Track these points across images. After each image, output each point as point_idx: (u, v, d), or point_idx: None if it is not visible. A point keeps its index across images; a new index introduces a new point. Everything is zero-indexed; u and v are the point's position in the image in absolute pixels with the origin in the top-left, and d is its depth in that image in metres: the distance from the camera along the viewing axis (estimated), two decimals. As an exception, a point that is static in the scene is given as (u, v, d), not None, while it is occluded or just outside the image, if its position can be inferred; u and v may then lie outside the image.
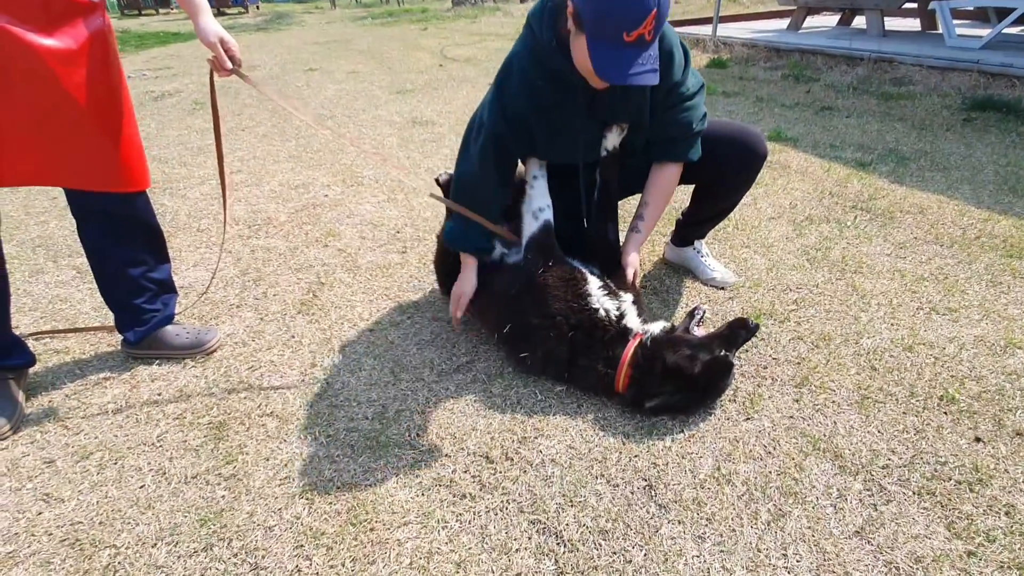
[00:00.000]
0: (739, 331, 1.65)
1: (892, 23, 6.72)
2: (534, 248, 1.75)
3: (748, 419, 1.58)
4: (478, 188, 1.74)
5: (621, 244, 1.88)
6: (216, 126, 1.81)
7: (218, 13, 18.42)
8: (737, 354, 1.82)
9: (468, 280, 1.82)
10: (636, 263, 1.83)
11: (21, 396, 1.67)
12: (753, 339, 1.88)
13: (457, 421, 1.61)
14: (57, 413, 1.68)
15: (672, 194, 1.87)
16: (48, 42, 1.38)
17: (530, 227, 1.76)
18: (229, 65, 1.61)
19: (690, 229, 2.19)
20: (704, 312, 1.80)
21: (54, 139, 1.46)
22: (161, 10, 21.88)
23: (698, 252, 2.23)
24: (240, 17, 17.75)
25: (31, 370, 1.78)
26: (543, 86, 1.60)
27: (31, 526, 1.33)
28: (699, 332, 1.71)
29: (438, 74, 6.66)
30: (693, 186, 2.04)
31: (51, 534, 1.31)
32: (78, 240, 1.76)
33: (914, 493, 1.35)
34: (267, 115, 5.02)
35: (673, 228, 2.29)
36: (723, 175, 1.91)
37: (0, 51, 1.34)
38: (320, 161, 3.81)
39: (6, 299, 1.64)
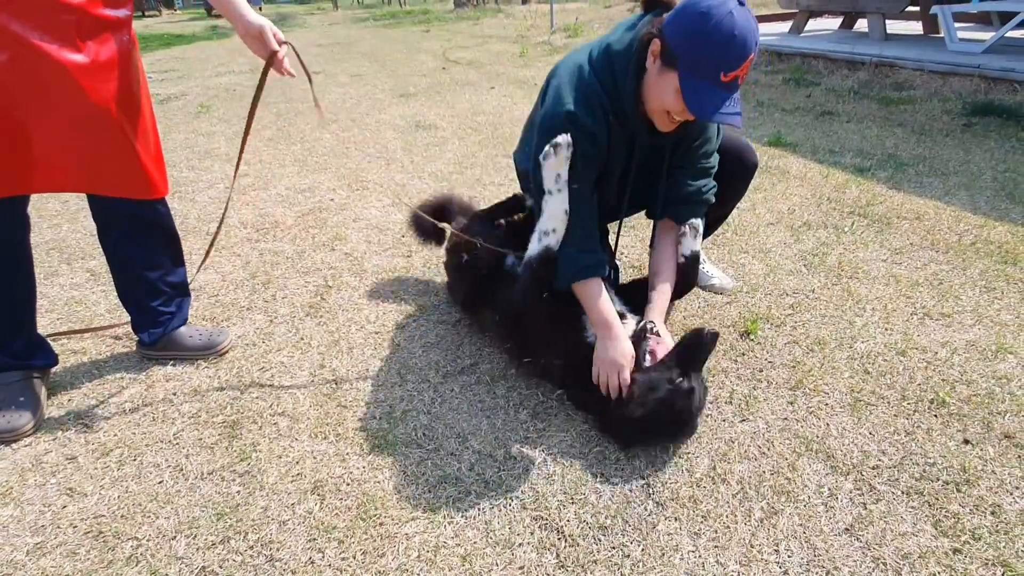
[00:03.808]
0: (694, 349, 1.50)
1: (894, 26, 6.75)
2: (528, 274, 1.63)
3: (744, 420, 1.63)
4: (585, 211, 1.61)
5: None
6: (251, 115, 1.79)
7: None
8: (734, 358, 1.88)
9: (621, 339, 1.55)
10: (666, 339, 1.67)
11: (44, 395, 1.73)
12: (750, 343, 1.94)
13: (462, 421, 1.67)
14: (77, 411, 1.74)
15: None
16: (78, 58, 1.44)
17: (532, 247, 1.62)
18: (275, 47, 1.62)
19: None
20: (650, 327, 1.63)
21: (84, 149, 1.53)
22: (165, 11, 21.97)
23: (696, 258, 2.27)
24: (245, 18, 17.82)
25: (52, 370, 1.84)
26: (614, 128, 1.56)
27: (56, 519, 1.39)
28: (658, 345, 1.60)
29: (441, 77, 6.72)
30: None
31: (75, 526, 1.37)
32: (91, 243, 1.83)
33: (903, 492, 1.40)
34: (273, 118, 5.09)
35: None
36: (724, 190, 1.93)
37: (34, 68, 1.40)
38: (325, 165, 3.87)
39: (32, 301, 1.70)
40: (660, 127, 1.54)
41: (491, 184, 3.41)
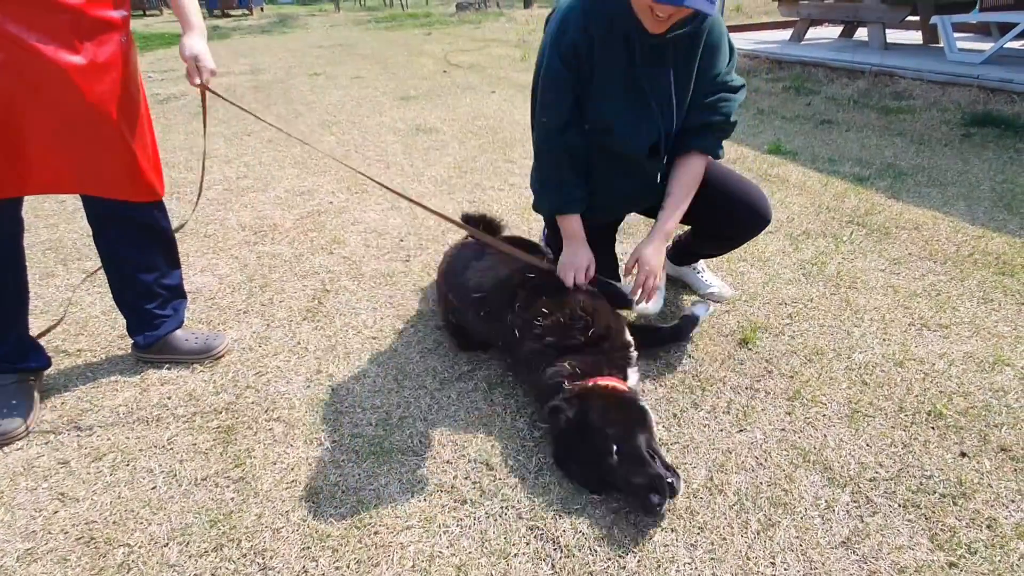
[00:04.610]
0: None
1: (894, 36, 6.78)
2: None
3: (741, 431, 1.63)
4: (557, 148, 1.73)
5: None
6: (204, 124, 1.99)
7: (223, 15, 18.49)
8: (732, 367, 1.88)
9: (584, 252, 1.79)
10: (655, 263, 1.76)
11: (37, 398, 1.72)
12: (748, 352, 1.93)
13: (459, 428, 1.66)
14: (70, 415, 1.73)
15: (695, 190, 1.83)
16: (74, 59, 1.43)
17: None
18: (197, 81, 1.68)
19: (685, 255, 2.25)
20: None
21: (79, 150, 1.52)
22: (166, 11, 21.97)
23: (694, 268, 2.28)
24: (245, 19, 17.83)
25: (45, 372, 1.83)
26: (601, 36, 1.59)
27: (48, 524, 1.38)
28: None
29: (442, 80, 6.73)
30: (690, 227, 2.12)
31: (67, 532, 1.36)
32: (87, 243, 1.82)
33: (900, 505, 1.39)
34: (273, 120, 5.08)
35: (670, 245, 2.33)
36: (725, 231, 1.99)
37: (30, 68, 1.39)
38: (325, 168, 3.87)
39: (25, 302, 1.69)
40: (649, 27, 1.53)
41: (491, 188, 3.41)
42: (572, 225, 1.81)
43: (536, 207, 1.94)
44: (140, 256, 1.77)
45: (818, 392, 1.76)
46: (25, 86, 1.41)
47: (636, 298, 1.80)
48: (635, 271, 1.78)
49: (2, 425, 1.60)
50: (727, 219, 1.93)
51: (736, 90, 1.73)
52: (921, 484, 1.45)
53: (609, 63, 1.63)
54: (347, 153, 4.14)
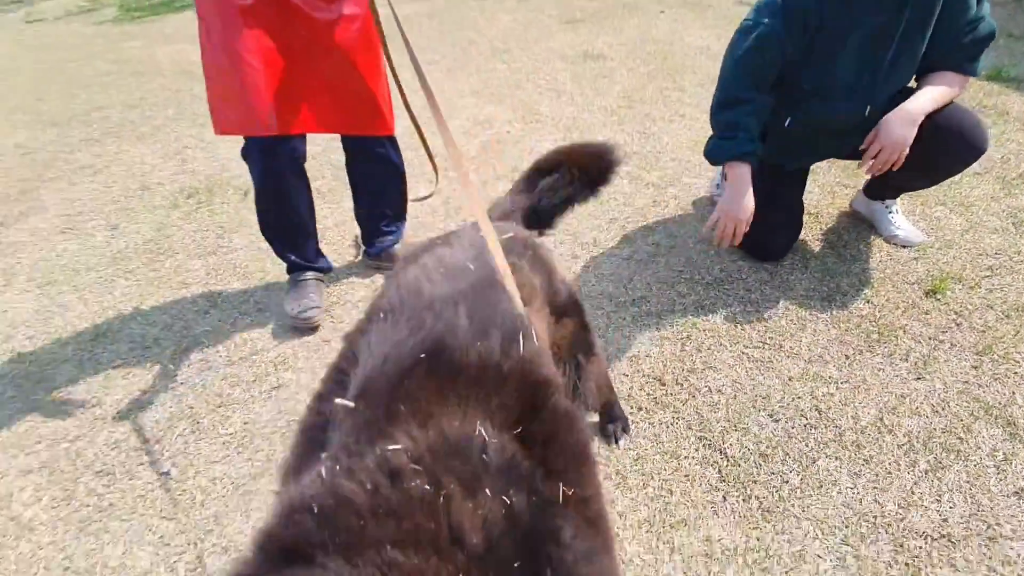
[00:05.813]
0: None
1: None
2: None
3: (919, 378, 1.65)
4: (739, 99, 1.73)
5: None
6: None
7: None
8: (915, 316, 1.85)
9: (749, 202, 1.70)
10: (897, 135, 1.70)
11: (324, 293, 2.18)
12: (935, 302, 1.89)
13: (634, 346, 1.87)
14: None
15: (950, 101, 1.77)
16: (329, 15, 1.73)
17: None
18: None
19: (882, 188, 2.14)
20: None
21: (336, 95, 1.85)
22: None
23: (887, 206, 2.18)
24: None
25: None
26: None
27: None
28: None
29: (607, 0, 6.51)
30: None
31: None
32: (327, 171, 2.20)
33: (1091, 468, 1.38)
34: (449, 48, 5.35)
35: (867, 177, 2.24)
36: (933, 160, 1.86)
37: (298, 26, 1.71)
38: (500, 96, 4.08)
39: (313, 214, 2.10)
40: None
41: (660, 120, 3.41)
42: (743, 173, 1.74)
43: (715, 156, 1.84)
44: (376, 183, 2.15)
45: (1012, 349, 1.70)
46: (303, 40, 1.74)
47: (866, 169, 1.81)
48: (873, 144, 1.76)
49: (310, 313, 2.05)
50: (935, 145, 1.78)
51: (984, 17, 1.66)
52: (1121, 451, 1.41)
53: (843, 20, 1.62)
54: (519, 82, 4.31)
